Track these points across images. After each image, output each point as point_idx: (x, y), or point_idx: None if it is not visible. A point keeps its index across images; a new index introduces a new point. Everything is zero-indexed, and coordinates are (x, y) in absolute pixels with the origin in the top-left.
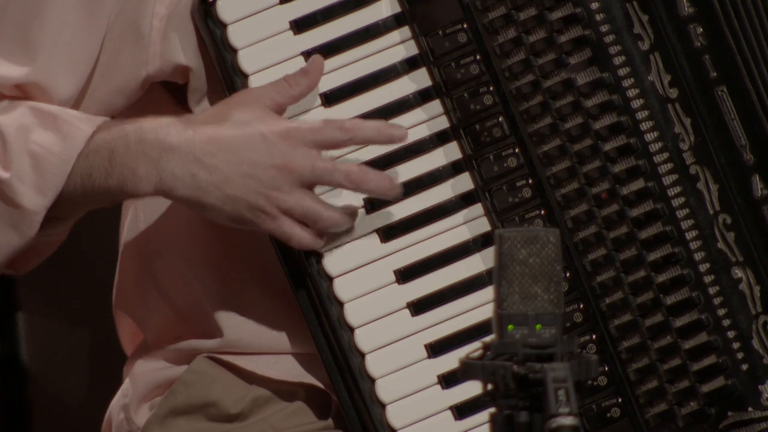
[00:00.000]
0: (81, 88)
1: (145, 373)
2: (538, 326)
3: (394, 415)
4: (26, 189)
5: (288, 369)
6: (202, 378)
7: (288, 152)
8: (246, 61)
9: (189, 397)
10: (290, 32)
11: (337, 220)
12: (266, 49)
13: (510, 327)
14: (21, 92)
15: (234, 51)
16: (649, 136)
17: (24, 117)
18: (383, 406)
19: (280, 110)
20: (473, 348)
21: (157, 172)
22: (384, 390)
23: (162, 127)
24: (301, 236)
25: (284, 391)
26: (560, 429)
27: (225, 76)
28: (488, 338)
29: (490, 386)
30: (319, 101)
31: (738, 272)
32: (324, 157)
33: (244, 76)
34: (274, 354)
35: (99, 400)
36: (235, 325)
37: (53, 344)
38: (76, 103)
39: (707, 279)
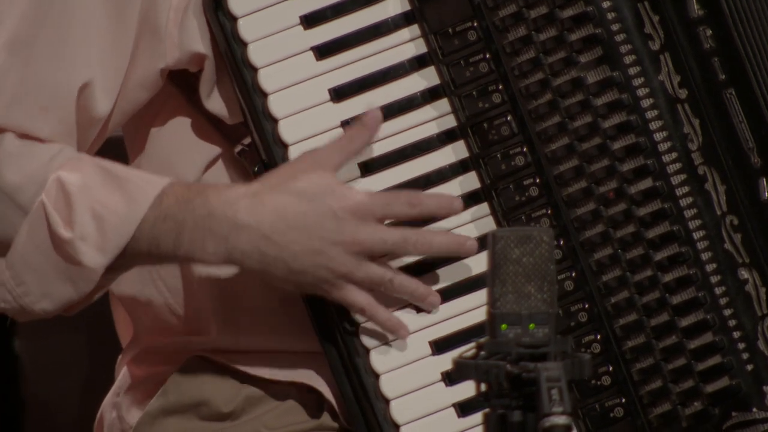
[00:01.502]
0: (117, 96)
1: (136, 372)
2: (532, 325)
3: (398, 410)
4: (88, 249)
5: (280, 368)
6: (194, 377)
7: (358, 228)
8: (256, 54)
9: (181, 396)
10: (300, 27)
11: (396, 282)
12: (276, 43)
13: (503, 326)
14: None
15: (244, 44)
16: (657, 136)
17: (89, 176)
18: (387, 401)
19: (344, 164)
20: (467, 347)
21: (226, 249)
22: (388, 386)
23: (231, 204)
24: (369, 309)
25: (276, 390)
26: (553, 428)
27: (234, 69)
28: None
29: (483, 386)
30: (327, 96)
31: (744, 273)
32: (391, 228)
33: (254, 70)
34: (267, 352)
35: (93, 398)
36: (229, 324)
37: (47, 342)
38: (110, 111)
39: (714, 279)
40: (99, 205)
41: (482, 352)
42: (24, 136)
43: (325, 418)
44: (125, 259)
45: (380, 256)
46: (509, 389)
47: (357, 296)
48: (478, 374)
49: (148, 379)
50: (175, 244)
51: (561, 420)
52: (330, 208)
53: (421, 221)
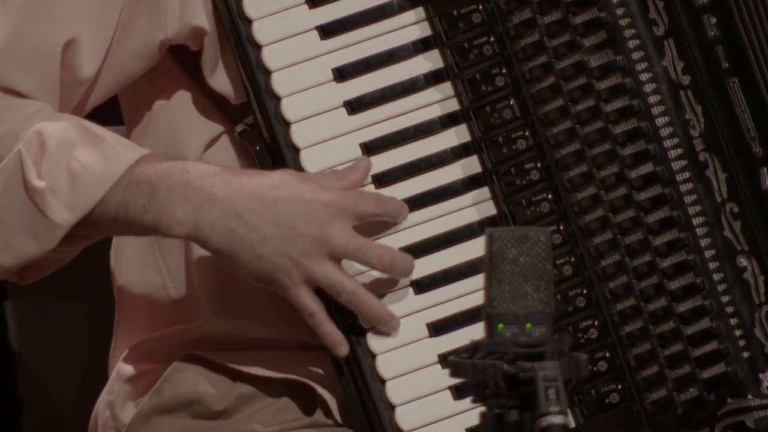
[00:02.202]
0: (103, 59)
1: (129, 370)
2: (529, 325)
3: (393, 391)
4: (57, 203)
5: (272, 366)
6: (187, 376)
7: (327, 222)
8: (260, 32)
9: (174, 395)
10: (305, 6)
11: (360, 297)
12: (281, 22)
13: (500, 326)
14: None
15: (249, 21)
16: (660, 121)
17: (69, 131)
18: (383, 382)
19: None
20: (471, 333)
21: (195, 219)
22: (385, 366)
23: (208, 176)
24: (312, 314)
25: (269, 387)
26: (550, 428)
27: (238, 46)
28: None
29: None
30: (331, 76)
31: (743, 261)
32: (358, 235)
33: (258, 47)
34: (259, 348)
35: (90, 397)
36: (221, 309)
37: (44, 340)
38: (97, 73)
39: (712, 265)
40: (75, 162)
41: (479, 352)
42: (6, 90)
43: (318, 415)
44: (90, 222)
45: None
46: (506, 389)
47: (309, 300)
48: (475, 374)
49: (140, 377)
50: (145, 208)
51: (558, 420)
52: (303, 198)
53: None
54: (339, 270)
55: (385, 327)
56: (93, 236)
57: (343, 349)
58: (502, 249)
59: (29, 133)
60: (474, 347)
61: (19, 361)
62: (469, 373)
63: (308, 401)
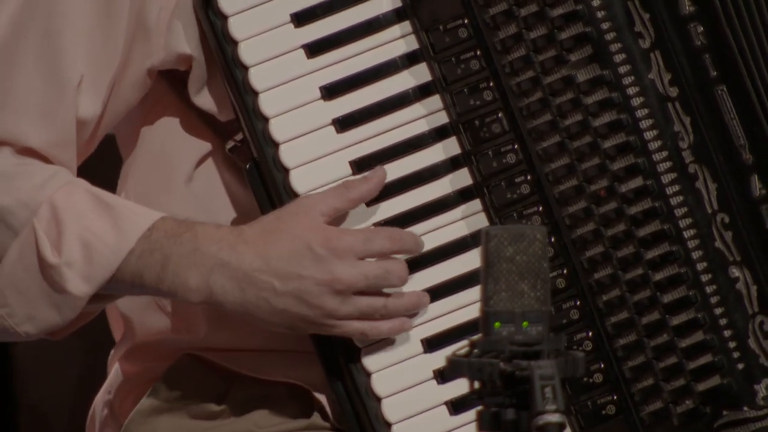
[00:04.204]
0: (107, 97)
1: (128, 368)
2: (525, 323)
3: (389, 409)
4: (74, 276)
5: (271, 368)
6: (185, 375)
7: (337, 266)
8: (246, 53)
9: (172, 394)
10: (291, 25)
11: (392, 307)
12: (267, 42)
13: (497, 324)
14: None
15: (234, 43)
16: (648, 134)
17: (80, 202)
18: (379, 400)
19: (337, 215)
20: (460, 346)
21: (207, 285)
22: (380, 384)
23: (216, 241)
24: (370, 332)
25: (267, 389)
26: (547, 426)
27: (225, 67)
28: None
29: (476, 384)
30: (318, 94)
31: (735, 271)
32: (372, 263)
33: (245, 69)
34: (257, 351)
35: (86, 396)
36: (218, 322)
37: (40, 341)
38: (104, 109)
39: (704, 278)
40: (88, 233)
41: (475, 350)
42: (21, 149)
43: (316, 418)
44: (109, 289)
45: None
46: (502, 387)
47: (350, 327)
48: (472, 372)
49: (139, 376)
50: (159, 277)
51: (554, 418)
52: (309, 247)
53: None
54: (362, 297)
55: (422, 309)
56: (115, 298)
57: (407, 324)
58: (499, 247)
59: (42, 206)
60: (471, 346)
61: (16, 361)
62: (466, 372)
63: (306, 404)
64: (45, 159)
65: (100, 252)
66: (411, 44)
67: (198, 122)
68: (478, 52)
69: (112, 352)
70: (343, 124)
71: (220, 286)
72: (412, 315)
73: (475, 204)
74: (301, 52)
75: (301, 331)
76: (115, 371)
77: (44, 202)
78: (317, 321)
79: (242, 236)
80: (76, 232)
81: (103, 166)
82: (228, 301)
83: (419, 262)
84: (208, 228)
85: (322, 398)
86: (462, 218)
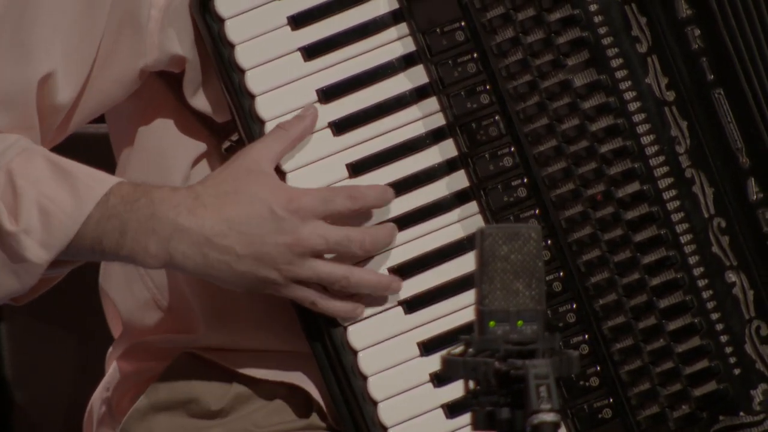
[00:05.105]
0: (82, 86)
1: (126, 367)
2: (520, 323)
3: (385, 412)
4: (32, 243)
5: (269, 368)
6: (184, 374)
7: (298, 227)
8: (243, 56)
9: (170, 393)
10: (288, 28)
11: (353, 279)
12: (264, 45)
13: (491, 323)
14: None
15: (231, 46)
16: (645, 139)
17: (38, 169)
18: (375, 403)
19: (284, 153)
20: (456, 345)
21: (167, 251)
22: (376, 388)
23: (174, 206)
24: (319, 302)
25: (265, 389)
26: (542, 425)
27: (221, 70)
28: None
29: (471, 384)
30: (315, 97)
31: (732, 276)
32: (333, 227)
33: (241, 72)
34: (256, 351)
35: (82, 395)
36: (217, 321)
37: (35, 339)
38: (78, 98)
39: (701, 283)
40: (46, 199)
41: (470, 349)
42: None
43: (314, 418)
44: (68, 255)
45: (328, 256)
46: (497, 386)
47: (303, 292)
48: (466, 371)
49: (137, 374)
50: (118, 243)
51: (549, 417)
52: (270, 209)
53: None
54: (323, 262)
55: (389, 291)
56: (76, 262)
57: (359, 310)
58: (494, 246)
59: None
60: (466, 345)
61: (10, 364)
62: (461, 371)
63: (304, 404)
64: None
65: (58, 218)
66: (408, 47)
67: (194, 122)
68: (475, 55)
69: (110, 349)
70: (340, 126)
71: (181, 253)
72: (381, 301)
73: (472, 206)
74: (298, 54)
75: (258, 291)
76: (113, 369)
77: (0, 169)
78: (277, 281)
79: (200, 199)
80: (34, 199)
81: (99, 166)
82: (188, 266)
83: (416, 265)
84: (164, 192)
85: (320, 399)
86: (458, 221)
